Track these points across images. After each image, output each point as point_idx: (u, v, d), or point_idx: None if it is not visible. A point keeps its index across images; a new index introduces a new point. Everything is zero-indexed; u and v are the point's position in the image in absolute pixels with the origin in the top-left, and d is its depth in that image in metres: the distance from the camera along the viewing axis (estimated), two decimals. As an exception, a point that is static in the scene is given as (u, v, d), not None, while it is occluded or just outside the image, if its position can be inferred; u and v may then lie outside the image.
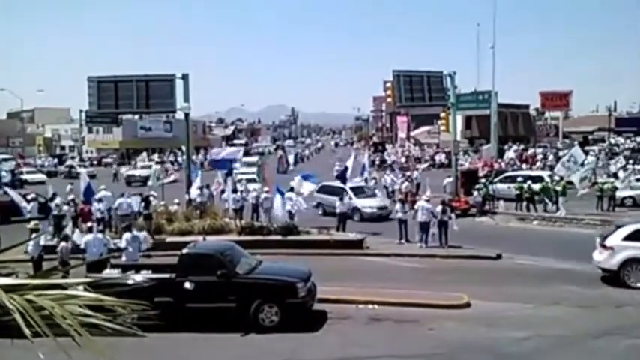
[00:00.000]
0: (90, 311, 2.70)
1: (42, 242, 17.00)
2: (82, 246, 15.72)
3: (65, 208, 22.54)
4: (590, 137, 74.05)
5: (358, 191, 28.14)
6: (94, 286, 3.10)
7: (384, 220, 25.93)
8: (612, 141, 58.97)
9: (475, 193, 28.99)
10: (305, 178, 26.20)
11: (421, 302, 13.80)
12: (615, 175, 34.24)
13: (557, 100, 72.22)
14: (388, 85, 69.45)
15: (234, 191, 25.15)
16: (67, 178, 46.66)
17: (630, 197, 29.30)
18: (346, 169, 28.81)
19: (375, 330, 12.47)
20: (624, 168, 36.66)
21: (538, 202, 28.10)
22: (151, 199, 23.49)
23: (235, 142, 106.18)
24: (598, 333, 11.76)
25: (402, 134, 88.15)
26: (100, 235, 16.51)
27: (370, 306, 13.73)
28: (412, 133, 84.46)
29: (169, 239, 20.51)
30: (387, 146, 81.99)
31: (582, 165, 29.88)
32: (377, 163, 58.19)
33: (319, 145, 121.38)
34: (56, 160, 68.60)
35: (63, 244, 15.74)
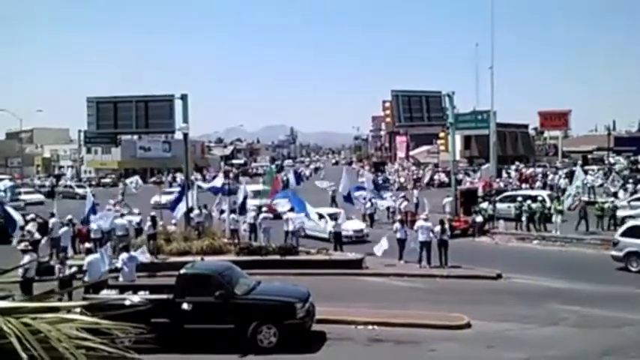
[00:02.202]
0: (86, 334, 2.68)
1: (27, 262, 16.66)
2: (85, 267, 15.62)
3: (64, 229, 22.46)
4: (589, 156, 74.19)
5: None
6: (92, 308, 3.08)
7: (360, 242, 25.66)
8: (612, 160, 59.00)
9: (474, 213, 29.00)
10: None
11: (421, 323, 13.71)
12: (615, 195, 34.22)
13: (556, 119, 72.50)
14: (387, 105, 69.72)
15: (233, 211, 25.12)
16: (66, 198, 46.64)
17: (631, 216, 29.22)
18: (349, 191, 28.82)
19: (374, 351, 12.37)
20: (624, 187, 36.65)
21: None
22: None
23: (234, 161, 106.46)
24: (598, 353, 11.70)
25: (401, 154, 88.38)
26: (103, 254, 16.45)
27: (370, 327, 13.62)
28: (411, 153, 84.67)
29: (169, 260, 20.44)
30: (387, 166, 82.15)
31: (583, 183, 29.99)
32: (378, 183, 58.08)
33: (319, 164, 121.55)
34: (54, 180, 68.53)
35: (59, 266, 15.68)
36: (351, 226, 27.09)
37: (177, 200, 25.36)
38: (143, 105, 24.74)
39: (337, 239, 23.08)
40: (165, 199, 29.40)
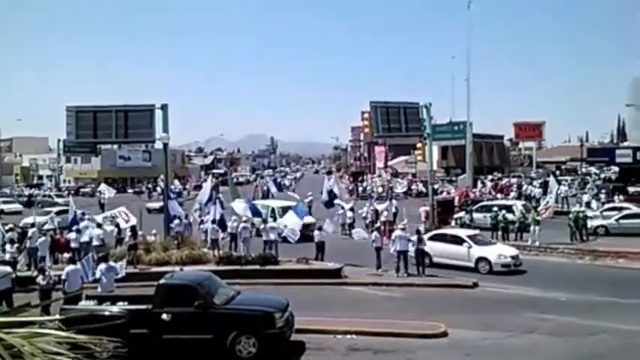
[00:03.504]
0: (61, 349, 2.69)
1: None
2: (63, 277, 15.54)
3: (42, 239, 22.29)
4: (562, 167, 75.41)
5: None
6: (68, 320, 3.09)
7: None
8: (585, 170, 60.05)
9: (452, 222, 29.38)
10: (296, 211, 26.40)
11: (399, 332, 13.86)
12: (588, 205, 34.89)
13: (531, 130, 73.67)
14: (366, 115, 70.24)
15: (213, 221, 25.16)
16: (45, 207, 46.07)
17: (602, 226, 29.86)
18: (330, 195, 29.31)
19: (353, 361, 12.49)
20: (597, 197, 37.38)
21: None
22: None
23: (214, 171, 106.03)
24: (573, 361, 11.94)
25: (379, 164, 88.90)
26: (84, 265, 16.39)
27: (348, 336, 13.73)
28: (390, 163, 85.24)
29: (148, 270, 20.39)
30: (366, 176, 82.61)
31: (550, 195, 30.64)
32: (358, 192, 58.56)
33: (298, 174, 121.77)
34: (32, 190, 67.73)
35: (40, 277, 15.59)
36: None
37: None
38: (123, 114, 24.69)
39: (319, 249, 23.17)
40: (156, 205, 29.39)
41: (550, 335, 13.86)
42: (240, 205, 27.34)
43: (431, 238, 23.37)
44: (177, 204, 26.81)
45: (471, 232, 25.28)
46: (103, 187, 37.44)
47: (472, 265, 22.07)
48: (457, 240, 23.09)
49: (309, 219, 29.81)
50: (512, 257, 22.29)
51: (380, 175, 75.50)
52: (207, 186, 29.19)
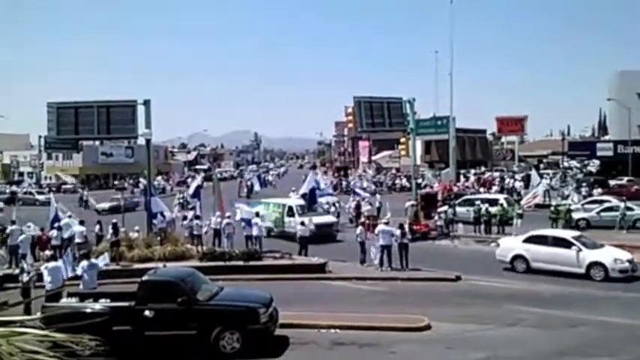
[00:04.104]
0: (41, 347, 2.65)
1: None
2: (44, 274, 15.40)
3: (23, 236, 22.07)
4: (544, 161, 76.10)
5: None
6: (50, 319, 3.05)
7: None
8: (566, 164, 60.63)
9: (436, 216, 29.54)
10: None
11: (382, 326, 13.93)
12: (569, 198, 35.26)
13: (513, 125, 74.27)
14: (349, 110, 70.30)
15: (198, 217, 25.08)
16: (26, 205, 45.67)
17: (584, 219, 30.21)
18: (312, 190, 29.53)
19: (337, 354, 12.54)
20: (578, 190, 37.79)
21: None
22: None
23: (198, 167, 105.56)
24: (555, 353, 12.07)
25: (363, 158, 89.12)
26: (65, 261, 16.27)
27: (332, 330, 13.78)
28: (373, 158, 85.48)
29: (130, 266, 20.29)
30: (350, 170, 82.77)
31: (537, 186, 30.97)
32: (342, 187, 58.62)
33: (282, 170, 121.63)
34: (13, 187, 66.88)
35: (22, 275, 15.46)
36: None
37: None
38: (105, 110, 24.46)
39: (303, 244, 23.19)
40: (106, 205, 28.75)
41: (532, 327, 14.02)
42: (244, 208, 26.67)
43: (528, 241, 21.22)
44: (160, 200, 26.66)
45: (575, 232, 22.70)
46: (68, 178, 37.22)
47: (582, 271, 19.60)
48: (563, 243, 20.41)
49: (328, 218, 29.77)
50: (629, 262, 19.80)
51: (365, 171, 75.69)
52: (194, 183, 29.08)
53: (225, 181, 67.09)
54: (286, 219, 29.02)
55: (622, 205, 29.98)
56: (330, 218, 30.00)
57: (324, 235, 27.41)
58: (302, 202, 30.67)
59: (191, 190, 26.88)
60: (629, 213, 29.96)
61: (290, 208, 29.40)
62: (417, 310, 14.94)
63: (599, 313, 14.88)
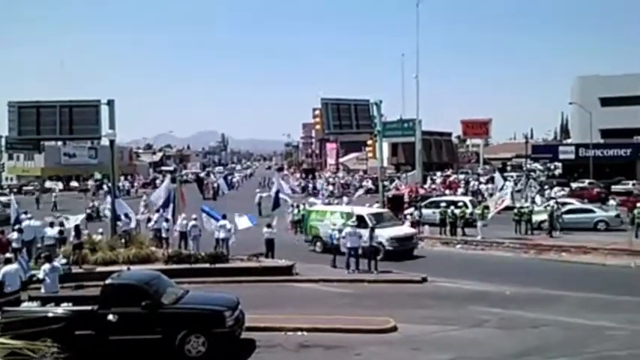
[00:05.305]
0: None
1: None
2: (0, 278, 14.99)
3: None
4: (508, 163, 77.50)
5: None
6: (11, 323, 2.99)
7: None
8: (530, 167, 61.82)
9: (409, 216, 29.83)
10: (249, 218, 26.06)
11: (349, 328, 13.93)
12: (533, 200, 35.91)
13: (478, 128, 75.53)
14: (317, 112, 70.51)
15: (167, 220, 24.80)
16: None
17: (546, 221, 30.79)
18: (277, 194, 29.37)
19: (303, 357, 12.49)
20: (541, 193, 38.52)
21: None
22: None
23: (163, 168, 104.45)
24: (517, 354, 12.22)
25: (331, 160, 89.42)
26: (22, 263, 15.87)
27: (299, 333, 13.72)
28: (341, 160, 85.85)
29: (94, 270, 19.92)
30: (318, 172, 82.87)
31: (500, 190, 31.43)
32: (309, 189, 58.73)
33: (249, 171, 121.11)
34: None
35: None
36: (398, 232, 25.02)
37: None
38: (67, 110, 23.95)
39: (269, 246, 23.09)
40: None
41: (495, 328, 14.19)
42: (243, 221, 25.39)
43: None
44: (124, 202, 26.27)
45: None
46: (49, 184, 35.88)
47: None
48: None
49: (407, 229, 26.39)
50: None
51: (335, 173, 75.91)
52: (162, 186, 28.50)
53: (190, 184, 66.53)
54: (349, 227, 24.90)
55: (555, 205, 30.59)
56: (409, 229, 26.46)
57: (407, 250, 24.69)
58: (374, 210, 27.75)
59: (161, 201, 26.07)
60: (590, 215, 30.80)
61: (360, 218, 24.58)
62: (383, 312, 14.99)
63: (559, 313, 15.17)
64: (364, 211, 26.53)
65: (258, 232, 24.02)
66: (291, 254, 22.50)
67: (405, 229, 26.05)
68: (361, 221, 23.91)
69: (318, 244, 26.08)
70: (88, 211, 31.89)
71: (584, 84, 63.26)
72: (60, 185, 42.88)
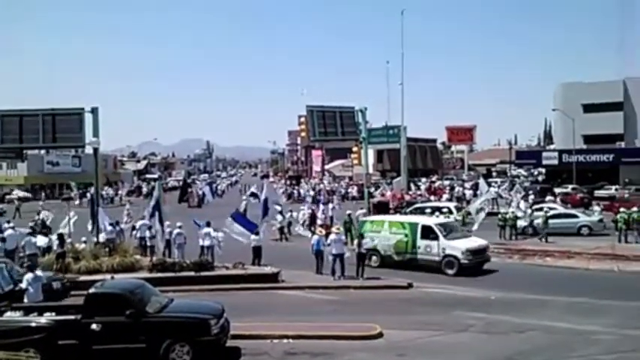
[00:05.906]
0: None
1: None
2: None
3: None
4: (493, 169, 78.10)
5: None
6: None
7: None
8: (514, 172, 62.38)
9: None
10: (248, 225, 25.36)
11: (335, 334, 13.92)
12: (517, 205, 36.18)
13: (463, 134, 76.08)
14: (302, 119, 70.64)
15: (150, 228, 24.62)
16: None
17: (531, 226, 31.03)
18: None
19: (290, 364, 12.47)
20: (525, 198, 38.83)
21: None
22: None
23: (148, 176, 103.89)
24: (503, 358, 12.31)
25: (317, 167, 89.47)
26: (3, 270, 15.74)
27: (285, 340, 13.69)
28: (327, 167, 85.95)
29: (77, 279, 19.73)
30: (304, 179, 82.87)
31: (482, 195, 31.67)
32: (294, 196, 58.70)
33: (234, 179, 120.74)
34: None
35: None
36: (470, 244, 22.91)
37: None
38: (50, 118, 23.77)
39: (256, 253, 22.97)
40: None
41: (480, 333, 14.27)
42: (239, 229, 25.12)
43: None
44: (104, 211, 25.90)
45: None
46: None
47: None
48: None
49: (479, 241, 23.64)
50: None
51: (322, 179, 75.94)
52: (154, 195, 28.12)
53: (174, 190, 66.30)
54: (421, 242, 22.84)
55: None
56: (481, 241, 23.67)
57: (481, 262, 22.83)
58: (442, 220, 26.31)
59: (150, 209, 25.60)
60: (573, 220, 31.08)
61: (427, 229, 22.91)
62: (369, 319, 15.00)
63: (544, 318, 15.29)
64: (431, 221, 24.70)
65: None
66: (277, 260, 22.43)
67: (478, 241, 23.58)
68: (429, 232, 22.65)
69: (374, 257, 23.59)
70: (31, 223, 30.12)
71: (567, 90, 63.96)
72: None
